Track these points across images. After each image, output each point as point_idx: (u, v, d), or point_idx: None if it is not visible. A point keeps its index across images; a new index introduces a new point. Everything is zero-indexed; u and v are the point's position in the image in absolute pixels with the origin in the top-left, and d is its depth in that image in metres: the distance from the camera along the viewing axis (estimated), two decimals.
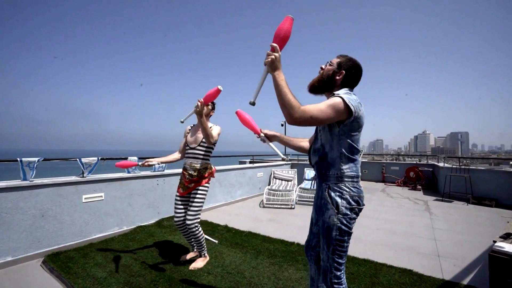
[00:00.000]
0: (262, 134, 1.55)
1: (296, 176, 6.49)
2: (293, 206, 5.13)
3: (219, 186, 5.10)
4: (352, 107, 1.19)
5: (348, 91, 1.31)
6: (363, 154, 10.05)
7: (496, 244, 1.87)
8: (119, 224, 3.42)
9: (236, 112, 1.67)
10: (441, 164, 7.02)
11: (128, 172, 3.63)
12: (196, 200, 2.50)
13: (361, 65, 1.38)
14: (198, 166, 2.53)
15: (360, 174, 1.35)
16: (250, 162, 8.92)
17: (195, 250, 2.80)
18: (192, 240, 2.69)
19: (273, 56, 1.13)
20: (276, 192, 5.41)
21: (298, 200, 5.52)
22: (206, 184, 2.57)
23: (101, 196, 3.24)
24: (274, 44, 1.14)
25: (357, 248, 2.99)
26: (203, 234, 2.60)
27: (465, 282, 2.31)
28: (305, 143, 1.62)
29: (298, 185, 6.14)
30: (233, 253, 2.89)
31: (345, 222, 1.25)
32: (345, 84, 1.36)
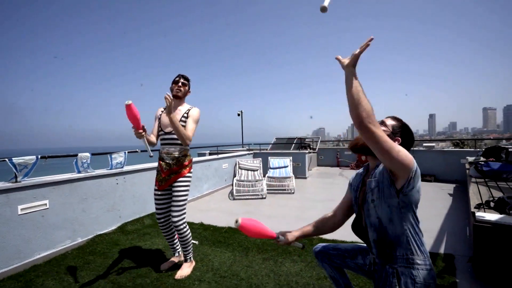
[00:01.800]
0: (280, 237, 1.35)
1: (261, 165, 6.41)
2: (264, 196, 5.05)
3: None
4: (414, 163, 1.05)
5: None
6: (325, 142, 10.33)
7: (477, 214, 2.05)
8: (71, 237, 2.78)
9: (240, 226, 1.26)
10: None
11: (78, 172, 2.96)
12: (179, 193, 2.16)
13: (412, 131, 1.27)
14: (176, 153, 2.18)
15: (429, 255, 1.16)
16: (210, 154, 8.52)
17: (177, 254, 2.45)
18: (177, 242, 2.34)
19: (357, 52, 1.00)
20: (246, 183, 5.24)
21: (267, 190, 5.47)
22: (189, 174, 2.25)
23: (45, 205, 2.55)
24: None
25: (345, 232, 3.03)
26: (190, 233, 2.27)
27: (442, 251, 2.55)
28: (331, 221, 1.43)
29: (264, 174, 6.08)
30: (220, 253, 2.63)
31: None
32: None
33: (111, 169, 3.30)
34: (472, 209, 2.26)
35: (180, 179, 2.19)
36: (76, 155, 2.90)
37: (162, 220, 2.25)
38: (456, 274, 2.13)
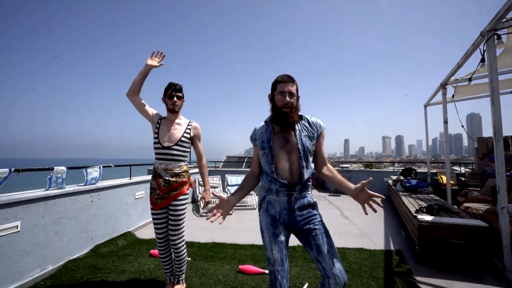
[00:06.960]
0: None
1: (221, 182, 6.54)
2: (231, 212, 5.19)
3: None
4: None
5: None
6: None
7: (419, 216, 2.83)
8: (41, 264, 2.37)
9: None
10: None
11: (49, 187, 2.59)
12: (180, 212, 2.10)
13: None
14: (176, 170, 2.08)
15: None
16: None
17: (170, 281, 2.27)
18: (172, 264, 2.22)
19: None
20: (213, 200, 5.28)
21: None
22: (188, 191, 2.19)
23: (17, 227, 2.16)
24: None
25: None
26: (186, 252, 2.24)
27: (392, 248, 3.28)
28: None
29: (223, 191, 6.22)
30: (218, 266, 2.71)
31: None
32: None
33: (85, 184, 2.97)
34: (414, 214, 3.07)
35: (181, 197, 2.10)
36: (52, 169, 2.56)
37: (164, 242, 2.13)
38: (407, 262, 2.83)
